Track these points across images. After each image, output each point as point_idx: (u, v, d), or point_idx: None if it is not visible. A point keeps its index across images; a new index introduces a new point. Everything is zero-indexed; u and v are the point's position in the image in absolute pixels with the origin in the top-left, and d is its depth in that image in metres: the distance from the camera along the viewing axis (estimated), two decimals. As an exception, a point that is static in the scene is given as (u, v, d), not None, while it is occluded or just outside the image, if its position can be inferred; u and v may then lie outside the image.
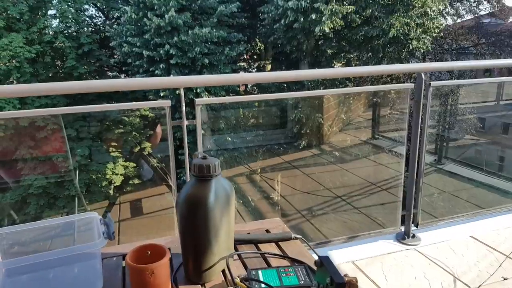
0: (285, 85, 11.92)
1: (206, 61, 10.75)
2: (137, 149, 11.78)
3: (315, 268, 1.00)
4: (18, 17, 10.59)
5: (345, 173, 9.87)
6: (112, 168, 10.99)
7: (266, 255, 1.12)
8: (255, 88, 13.79)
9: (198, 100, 2.29)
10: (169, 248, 0.96)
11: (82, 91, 2.01)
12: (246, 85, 14.79)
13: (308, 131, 11.67)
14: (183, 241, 1.02)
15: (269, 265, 1.08)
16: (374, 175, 9.50)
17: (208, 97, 10.73)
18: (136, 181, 11.71)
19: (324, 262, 0.82)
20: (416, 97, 2.67)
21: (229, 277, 1.01)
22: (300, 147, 11.71)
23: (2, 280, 0.97)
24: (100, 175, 10.87)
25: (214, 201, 0.96)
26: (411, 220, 2.74)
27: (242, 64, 13.70)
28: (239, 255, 1.12)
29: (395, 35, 10.38)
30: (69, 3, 11.32)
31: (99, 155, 11.36)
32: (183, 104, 2.30)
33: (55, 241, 1.26)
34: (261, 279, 0.96)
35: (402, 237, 2.68)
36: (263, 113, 13.58)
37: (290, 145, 12.15)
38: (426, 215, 2.89)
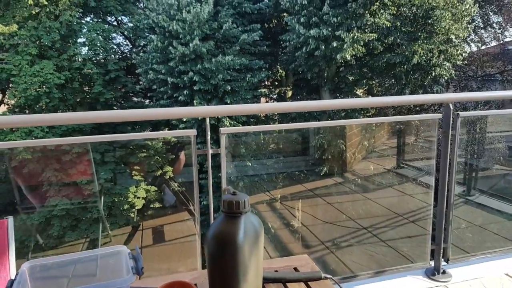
0: (305, 112, 11.95)
1: (228, 87, 10.94)
2: (159, 173, 11.93)
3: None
4: (50, 45, 11.11)
5: (369, 202, 9.62)
6: (134, 192, 11.12)
7: (294, 295, 1.09)
8: (276, 114, 13.87)
9: (223, 129, 2.31)
10: (195, 284, 0.94)
11: (113, 120, 2.07)
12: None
13: (330, 157, 11.57)
14: (211, 279, 1.00)
15: (298, 306, 1.04)
16: (399, 206, 9.21)
17: (230, 122, 10.85)
18: (157, 205, 11.79)
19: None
20: (444, 127, 2.60)
21: (258, 318, 0.98)
22: (322, 174, 11.58)
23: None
24: (122, 198, 11.01)
25: (243, 239, 0.95)
26: (441, 255, 2.62)
27: (263, 90, 13.87)
28: (267, 294, 1.09)
29: (418, 61, 10.34)
30: (98, 32, 11.84)
31: (122, 179, 11.56)
32: (208, 133, 2.33)
33: (83, 273, 1.27)
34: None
35: (432, 273, 2.55)
36: (283, 139, 13.59)
37: (312, 172, 12.03)
38: (457, 250, 2.74)
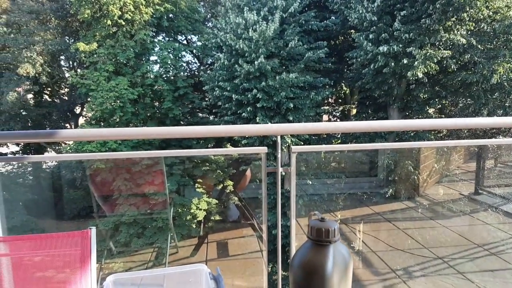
0: (370, 133, 11.56)
1: (291, 105, 10.93)
2: (220, 187, 12.16)
3: None
4: (125, 62, 11.96)
5: (444, 230, 8.89)
6: (197, 204, 11.43)
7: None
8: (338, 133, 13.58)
9: (294, 148, 2.28)
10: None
11: (188, 135, 2.13)
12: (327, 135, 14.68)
13: (397, 179, 10.99)
14: (295, 309, 0.95)
15: None
16: (478, 236, 8.41)
17: (291, 140, 10.80)
18: (217, 217, 12.01)
19: None
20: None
21: None
22: (387, 196, 11.02)
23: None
24: (185, 209, 11.36)
25: (332, 270, 0.90)
26: None
27: (326, 107, 13.68)
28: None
29: (498, 81, 9.56)
30: (169, 50, 12.54)
31: (186, 191, 11.96)
32: (279, 151, 2.30)
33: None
34: None
35: None
36: (346, 158, 13.22)
37: (376, 194, 11.50)
38: None
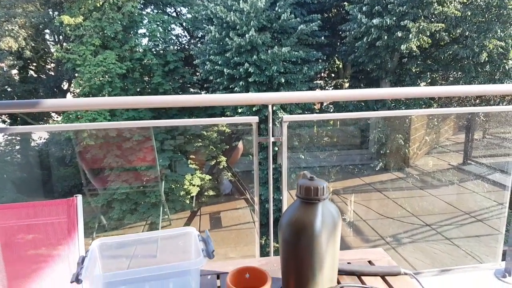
0: (363, 104, 11.54)
1: (283, 80, 10.83)
2: (213, 163, 12.17)
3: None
4: (112, 36, 11.60)
5: (432, 199, 9.09)
6: (190, 180, 11.45)
7: (373, 291, 1.00)
8: (331, 106, 13.55)
9: (286, 117, 2.26)
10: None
11: (174, 105, 2.08)
12: (321, 104, 14.61)
13: (388, 152, 11.09)
14: (284, 266, 0.95)
15: (376, 303, 0.96)
16: (466, 204, 8.63)
17: (284, 115, 10.76)
18: (211, 192, 12.07)
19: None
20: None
21: (334, 313, 0.92)
22: (377, 169, 11.15)
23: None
24: (178, 185, 11.38)
25: (320, 227, 0.89)
26: None
27: (319, 82, 13.57)
28: (342, 288, 1.02)
29: (486, 59, 9.60)
30: (158, 23, 12.21)
31: (178, 167, 11.94)
32: (271, 120, 2.27)
33: (151, 253, 1.27)
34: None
35: (503, 275, 2.38)
36: (338, 132, 13.26)
37: (367, 166, 11.63)
38: None
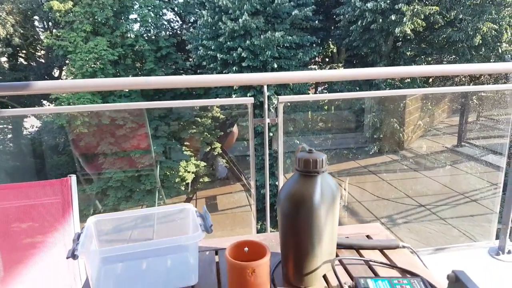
0: (357, 89, 11.53)
1: (275, 65, 10.76)
2: (207, 149, 12.14)
3: (432, 282, 0.87)
4: (103, 21, 11.39)
5: (427, 180, 9.18)
6: (185, 166, 11.43)
7: (372, 263, 1.00)
8: (325, 91, 13.52)
9: (281, 98, 2.23)
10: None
11: (167, 86, 2.05)
12: (316, 88, 14.57)
13: (382, 136, 11.12)
14: (283, 240, 0.94)
15: (375, 274, 0.96)
16: (460, 184, 8.72)
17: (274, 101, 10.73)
18: (206, 179, 12.07)
19: (461, 278, 0.68)
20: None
21: (333, 283, 0.92)
22: (372, 152, 11.20)
23: (98, 267, 0.98)
24: (173, 172, 11.36)
25: (319, 200, 0.88)
26: (508, 234, 2.46)
27: (313, 67, 13.50)
28: (340, 261, 1.02)
29: (480, 42, 9.57)
30: (149, 8, 11.98)
31: (173, 153, 11.90)
32: (266, 101, 2.25)
33: (149, 229, 1.26)
34: (372, 290, 0.85)
35: (496, 253, 2.44)
36: (333, 117, 13.25)
37: (362, 150, 11.68)
38: None
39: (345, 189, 9.54)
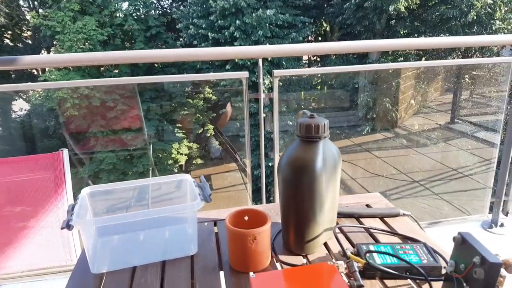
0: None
1: (267, 44, 10.61)
2: (200, 131, 12.08)
3: (433, 247, 0.86)
4: (91, 0, 11.09)
5: (421, 157, 9.24)
6: (177, 148, 11.37)
7: (373, 230, 0.99)
8: (319, 73, 13.43)
9: (276, 72, 2.19)
10: (266, 214, 0.87)
11: (162, 60, 1.99)
12: (308, 67, 14.46)
13: (376, 114, 11.14)
14: (284, 208, 0.92)
15: (376, 241, 0.95)
16: (454, 160, 8.80)
17: (270, 80, 10.64)
18: (199, 161, 12.03)
19: (468, 239, 0.67)
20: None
21: (335, 251, 0.90)
22: (366, 130, 11.22)
23: (94, 239, 0.95)
24: (166, 154, 11.31)
25: (321, 166, 0.85)
26: (501, 208, 2.50)
27: (305, 46, 13.33)
28: (341, 229, 1.00)
29: (474, 19, 9.50)
30: (138, -15, 11.68)
31: (165, 135, 11.82)
32: (261, 75, 2.21)
33: (145, 199, 1.23)
34: (374, 255, 0.83)
35: (489, 226, 2.50)
36: (326, 97, 13.21)
37: (356, 129, 11.69)
38: None
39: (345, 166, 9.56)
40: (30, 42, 14.05)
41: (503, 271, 0.62)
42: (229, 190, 10.33)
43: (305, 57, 14.00)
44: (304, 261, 0.88)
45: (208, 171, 11.85)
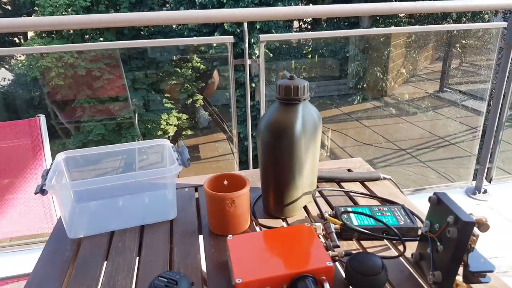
0: (343, 41, 11.32)
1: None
2: (189, 101, 11.93)
3: (412, 210, 0.87)
4: (74, -37, 10.60)
5: (408, 125, 9.31)
6: (166, 119, 11.26)
7: (352, 194, 0.99)
8: (310, 40, 13.20)
9: (262, 36, 2.14)
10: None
11: (142, 23, 1.92)
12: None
13: (366, 84, 11.11)
14: (263, 171, 0.91)
15: (356, 204, 0.95)
16: (441, 129, 8.89)
17: (258, 51, 10.47)
18: (189, 132, 11.96)
19: (443, 199, 0.67)
20: (508, 39, 2.36)
21: (314, 214, 0.91)
22: (356, 99, 11.22)
23: (72, 206, 0.94)
24: (155, 125, 11.20)
25: (301, 129, 0.84)
26: (485, 174, 2.55)
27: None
28: (321, 192, 1.00)
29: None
30: None
31: (153, 106, 11.66)
32: (246, 40, 2.15)
33: (123, 164, 1.21)
34: (352, 217, 0.84)
35: (473, 192, 2.56)
36: (316, 66, 13.08)
37: (346, 98, 11.66)
38: (500, 172, 2.69)
39: (328, 137, 9.63)
40: (9, 8, 13.47)
41: (476, 230, 0.62)
42: (218, 160, 10.35)
43: (295, 25, 13.73)
44: (284, 224, 0.89)
45: (196, 140, 11.82)
